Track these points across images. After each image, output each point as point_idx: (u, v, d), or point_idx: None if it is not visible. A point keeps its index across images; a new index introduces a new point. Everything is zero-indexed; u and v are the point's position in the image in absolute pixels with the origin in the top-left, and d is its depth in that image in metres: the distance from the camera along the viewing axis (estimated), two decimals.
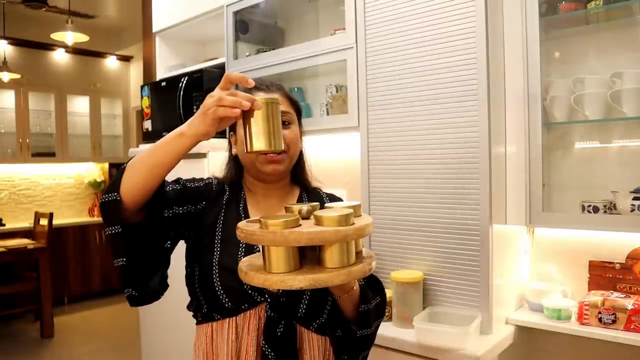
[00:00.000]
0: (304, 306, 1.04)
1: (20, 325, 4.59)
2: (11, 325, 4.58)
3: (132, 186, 0.91)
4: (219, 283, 1.02)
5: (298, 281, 0.75)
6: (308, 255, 0.84)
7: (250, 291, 1.02)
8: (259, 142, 0.87)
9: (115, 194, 0.91)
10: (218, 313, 1.04)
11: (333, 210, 0.80)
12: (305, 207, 0.85)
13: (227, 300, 1.02)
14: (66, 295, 5.29)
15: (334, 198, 1.24)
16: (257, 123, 0.86)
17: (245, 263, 0.86)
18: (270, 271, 0.78)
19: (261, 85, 1.13)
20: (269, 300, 1.02)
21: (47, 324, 4.22)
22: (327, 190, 1.27)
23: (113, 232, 0.93)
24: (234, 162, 1.17)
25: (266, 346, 1.00)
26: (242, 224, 0.84)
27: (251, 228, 0.80)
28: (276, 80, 1.18)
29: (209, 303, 1.05)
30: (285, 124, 1.10)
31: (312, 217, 0.82)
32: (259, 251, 1.03)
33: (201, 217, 1.09)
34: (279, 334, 1.01)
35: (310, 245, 0.78)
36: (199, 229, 1.09)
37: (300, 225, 0.79)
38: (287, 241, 0.75)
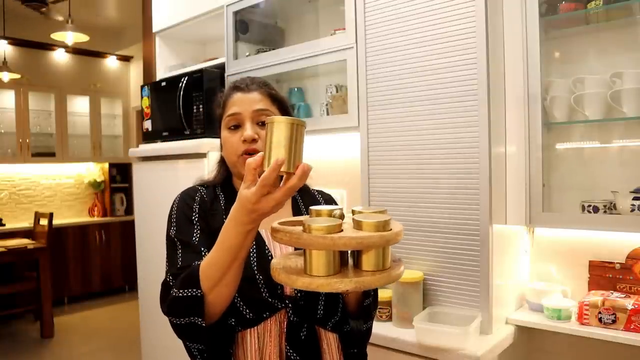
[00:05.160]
0: (322, 307, 1.04)
1: (20, 325, 4.59)
2: (11, 325, 4.58)
3: (227, 295, 0.90)
4: (237, 295, 0.97)
5: (344, 284, 0.76)
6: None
7: (270, 299, 1.00)
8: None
9: (198, 290, 0.88)
10: (239, 325, 1.00)
11: (370, 216, 0.81)
12: (337, 211, 0.85)
13: (247, 311, 0.99)
14: (66, 295, 5.30)
15: (327, 197, 1.24)
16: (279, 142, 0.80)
17: (279, 265, 0.84)
18: (311, 274, 0.79)
19: (240, 84, 1.09)
20: (290, 305, 1.01)
21: (47, 324, 4.22)
22: (327, 190, 1.26)
23: (191, 322, 0.91)
24: (223, 163, 1.14)
25: (291, 351, 0.99)
26: (281, 227, 0.81)
27: (297, 231, 0.79)
28: (258, 78, 1.13)
29: (229, 316, 0.99)
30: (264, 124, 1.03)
31: (345, 221, 0.82)
32: (271, 257, 1.02)
33: (212, 231, 1.02)
34: (302, 337, 1.01)
35: (356, 249, 0.79)
36: (212, 242, 0.98)
37: (342, 230, 0.79)
38: (336, 245, 0.76)
